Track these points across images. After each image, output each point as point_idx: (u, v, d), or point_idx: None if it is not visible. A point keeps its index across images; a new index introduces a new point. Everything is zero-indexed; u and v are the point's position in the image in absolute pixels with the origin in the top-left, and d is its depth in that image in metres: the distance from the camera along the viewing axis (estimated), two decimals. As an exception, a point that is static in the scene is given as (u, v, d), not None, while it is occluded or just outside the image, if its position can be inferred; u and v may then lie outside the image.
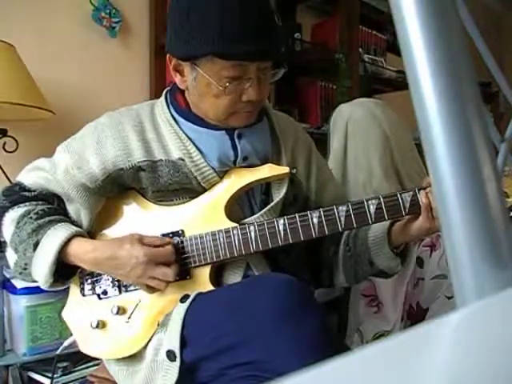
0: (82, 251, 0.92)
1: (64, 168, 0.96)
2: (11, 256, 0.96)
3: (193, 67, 0.90)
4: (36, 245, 0.92)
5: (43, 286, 0.94)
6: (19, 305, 1.42)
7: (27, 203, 0.97)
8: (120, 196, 1.01)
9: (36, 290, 1.42)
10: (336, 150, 1.61)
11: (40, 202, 0.97)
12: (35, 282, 0.95)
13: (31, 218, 0.93)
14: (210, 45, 0.85)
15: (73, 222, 0.98)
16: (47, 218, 0.94)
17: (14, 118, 1.65)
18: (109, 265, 0.91)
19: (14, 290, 1.42)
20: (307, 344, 0.75)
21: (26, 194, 0.98)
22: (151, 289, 0.93)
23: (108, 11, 1.98)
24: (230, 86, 0.89)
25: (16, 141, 1.65)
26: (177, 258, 0.94)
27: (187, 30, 0.87)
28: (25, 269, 0.94)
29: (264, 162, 0.99)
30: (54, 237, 0.91)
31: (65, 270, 0.94)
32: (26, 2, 1.81)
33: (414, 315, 1.50)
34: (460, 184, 0.25)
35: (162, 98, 1.02)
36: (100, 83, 2.00)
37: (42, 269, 0.91)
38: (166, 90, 1.05)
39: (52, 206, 0.98)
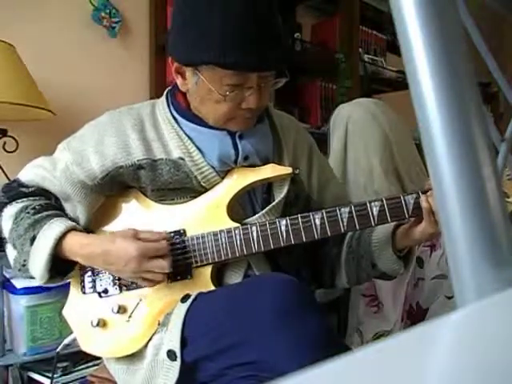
0: (77, 245, 0.92)
1: (64, 165, 0.97)
2: (11, 252, 0.96)
3: (194, 72, 0.90)
4: (33, 239, 0.91)
5: (40, 282, 0.94)
6: (19, 305, 1.42)
7: (25, 199, 0.97)
8: (122, 194, 1.01)
9: (36, 290, 1.42)
10: (336, 150, 1.61)
11: (37, 198, 0.98)
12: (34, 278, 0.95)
13: (28, 212, 0.94)
14: (211, 54, 0.85)
15: (70, 219, 0.98)
16: (44, 213, 0.94)
17: (14, 118, 1.65)
18: (102, 260, 0.91)
19: (13, 290, 1.42)
20: (307, 344, 0.75)
21: (24, 189, 0.98)
22: (149, 282, 0.92)
23: (108, 11, 1.98)
24: (230, 93, 0.89)
25: (16, 141, 1.65)
26: (178, 257, 0.94)
27: (189, 36, 0.87)
28: (23, 265, 0.94)
29: (265, 161, 0.99)
30: (51, 231, 0.91)
31: (61, 266, 0.94)
32: (26, 2, 1.81)
33: (414, 315, 1.50)
34: (460, 184, 0.25)
35: (163, 98, 1.02)
36: (100, 83, 2.00)
37: (38, 264, 0.91)
38: (167, 90, 1.05)
39: (49, 202, 0.98)
